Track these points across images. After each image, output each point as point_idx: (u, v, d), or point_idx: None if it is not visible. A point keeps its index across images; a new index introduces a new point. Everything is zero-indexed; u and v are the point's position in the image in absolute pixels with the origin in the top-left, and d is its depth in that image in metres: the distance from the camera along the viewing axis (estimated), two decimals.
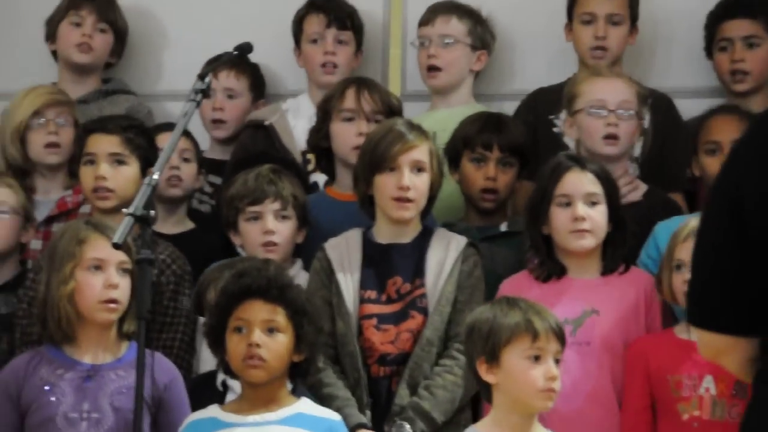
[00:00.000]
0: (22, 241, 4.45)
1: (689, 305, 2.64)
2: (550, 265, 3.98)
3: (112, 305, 3.63)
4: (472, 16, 4.80)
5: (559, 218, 3.95)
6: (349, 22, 4.86)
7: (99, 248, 3.64)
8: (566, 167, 3.97)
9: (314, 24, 4.86)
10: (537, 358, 3.48)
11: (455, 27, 4.76)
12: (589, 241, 3.95)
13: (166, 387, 3.64)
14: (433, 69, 4.75)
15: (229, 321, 3.54)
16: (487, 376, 3.49)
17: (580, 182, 3.96)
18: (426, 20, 4.77)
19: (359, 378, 3.91)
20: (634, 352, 3.88)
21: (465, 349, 3.59)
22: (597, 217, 3.95)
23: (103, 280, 3.63)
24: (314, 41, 4.85)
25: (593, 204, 3.95)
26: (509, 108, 4.75)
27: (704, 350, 2.62)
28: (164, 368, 3.64)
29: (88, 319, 3.65)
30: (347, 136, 4.35)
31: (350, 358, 3.93)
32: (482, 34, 4.81)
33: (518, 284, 3.98)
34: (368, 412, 3.88)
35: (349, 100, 4.36)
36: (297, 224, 4.22)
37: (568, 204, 3.95)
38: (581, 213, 3.93)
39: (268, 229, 4.16)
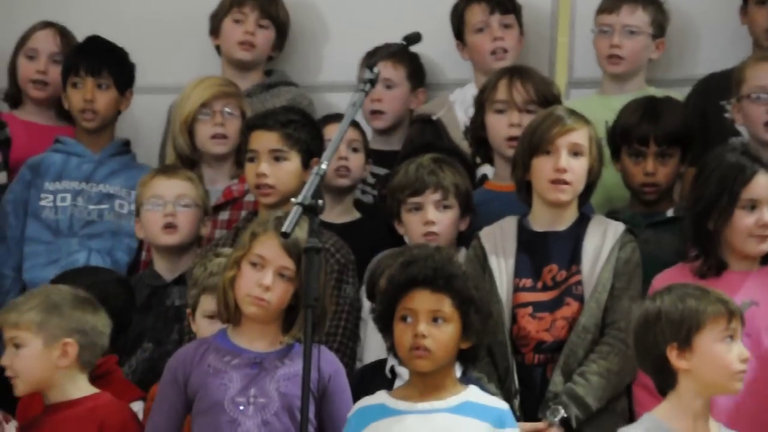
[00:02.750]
0: (200, 234, 4.54)
1: None
2: (713, 262, 3.94)
3: (260, 302, 3.66)
4: (654, 4, 4.79)
5: (744, 222, 3.90)
6: (510, 5, 4.88)
7: (266, 247, 3.67)
8: (753, 170, 3.91)
9: (477, 13, 4.88)
10: (730, 339, 3.48)
11: (640, 17, 4.75)
12: None
13: (331, 377, 3.67)
14: (614, 57, 4.74)
15: (397, 309, 3.57)
16: (679, 362, 3.48)
17: (767, 187, 3.91)
18: (610, 8, 4.77)
19: (509, 366, 3.92)
20: None
21: (642, 340, 3.53)
22: None
23: (258, 277, 3.66)
24: (480, 30, 4.87)
25: None
26: (684, 94, 4.70)
27: None
28: (328, 360, 3.68)
29: (240, 308, 3.70)
30: (500, 127, 4.36)
31: (500, 347, 3.94)
32: (662, 22, 4.80)
33: (674, 278, 3.91)
34: (516, 401, 3.90)
35: (501, 91, 4.37)
36: (459, 213, 4.24)
37: (753, 207, 3.90)
38: None
39: (428, 220, 4.19)
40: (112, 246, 4.80)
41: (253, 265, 3.68)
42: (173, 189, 4.48)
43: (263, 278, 3.66)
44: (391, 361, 3.82)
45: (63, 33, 5.13)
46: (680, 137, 4.35)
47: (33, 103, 5.16)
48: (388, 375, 3.85)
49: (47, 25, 5.15)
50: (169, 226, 4.46)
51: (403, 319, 3.56)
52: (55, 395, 3.82)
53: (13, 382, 3.81)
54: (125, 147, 5.01)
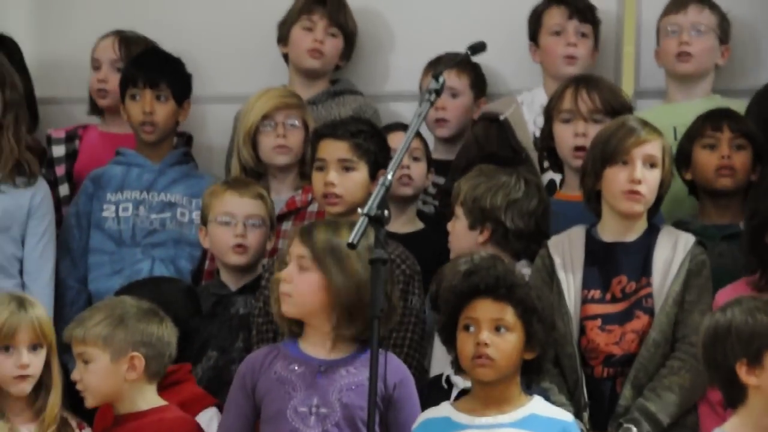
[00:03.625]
0: (267, 248, 4.54)
1: None
2: None
3: (285, 297, 3.66)
4: (719, 10, 4.77)
5: None
6: (590, 15, 4.86)
7: (292, 244, 3.69)
8: None
9: (556, 16, 4.86)
10: None
11: (708, 17, 4.73)
12: None
13: (396, 386, 3.64)
14: (684, 55, 4.71)
15: (459, 319, 3.56)
16: (749, 379, 3.42)
17: None
18: (677, 8, 4.74)
19: (578, 379, 3.89)
20: None
21: (711, 353, 3.48)
22: None
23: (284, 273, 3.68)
24: (556, 33, 4.86)
25: None
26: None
27: None
28: (395, 367, 3.65)
29: None
30: (566, 137, 4.36)
31: (569, 360, 3.92)
32: (727, 28, 4.77)
33: (735, 292, 3.86)
34: (585, 414, 3.86)
35: (567, 101, 4.37)
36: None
37: None
38: None
39: None
40: (175, 254, 4.81)
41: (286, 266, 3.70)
42: (244, 208, 4.47)
43: (284, 271, 3.67)
44: (447, 371, 3.80)
45: (123, 40, 5.13)
46: (753, 135, 4.31)
47: (106, 112, 5.20)
48: (444, 386, 3.83)
49: (109, 34, 5.18)
50: (240, 246, 4.46)
51: (466, 328, 3.55)
52: (124, 407, 3.85)
53: (82, 395, 3.85)
54: (185, 156, 5.02)
